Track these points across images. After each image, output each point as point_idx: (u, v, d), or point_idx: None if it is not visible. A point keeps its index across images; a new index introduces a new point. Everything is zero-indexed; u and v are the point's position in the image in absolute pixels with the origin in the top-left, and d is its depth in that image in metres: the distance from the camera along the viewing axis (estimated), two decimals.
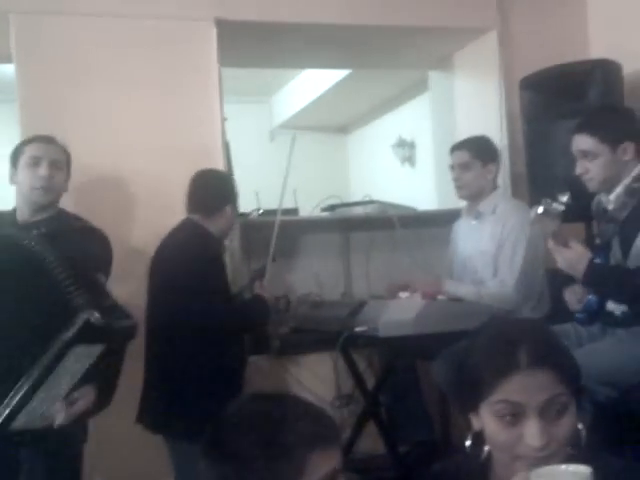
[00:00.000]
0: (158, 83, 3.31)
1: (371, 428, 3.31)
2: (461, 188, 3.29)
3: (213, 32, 3.39)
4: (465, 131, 4.02)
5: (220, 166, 3.36)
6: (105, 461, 2.98)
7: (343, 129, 7.10)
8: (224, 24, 3.41)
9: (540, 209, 2.39)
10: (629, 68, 3.50)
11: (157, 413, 2.75)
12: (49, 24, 3.21)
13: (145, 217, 2.97)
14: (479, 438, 1.31)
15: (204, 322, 2.70)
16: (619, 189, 2.54)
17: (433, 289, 3.10)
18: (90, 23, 3.24)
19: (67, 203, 2.71)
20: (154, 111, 3.27)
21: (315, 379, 3.64)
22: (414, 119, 5.75)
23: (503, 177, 3.79)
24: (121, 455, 3.08)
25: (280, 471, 1.13)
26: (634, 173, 2.54)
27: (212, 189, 2.94)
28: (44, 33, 3.21)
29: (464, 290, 3.11)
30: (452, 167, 3.31)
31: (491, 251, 3.16)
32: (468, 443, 1.33)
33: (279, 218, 3.16)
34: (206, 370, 2.71)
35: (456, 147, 3.34)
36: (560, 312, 2.80)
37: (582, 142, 2.59)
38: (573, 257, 2.41)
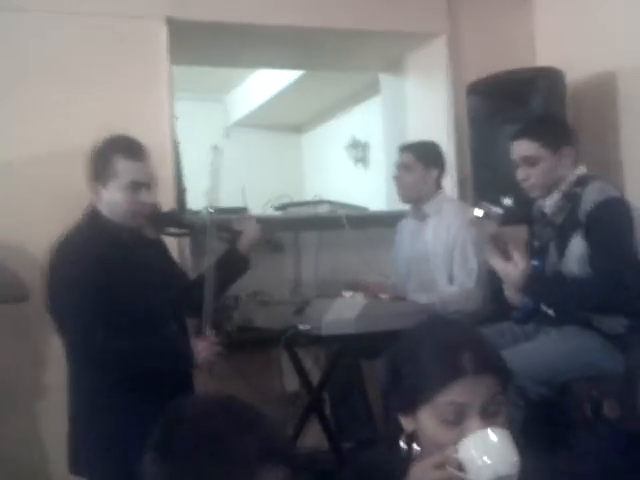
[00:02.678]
0: (106, 82, 3.28)
1: (317, 424, 3.35)
2: (401, 189, 3.36)
3: (164, 31, 3.38)
4: (415, 134, 4.08)
5: (168, 165, 3.37)
6: None
7: (297, 128, 7.12)
8: (175, 23, 3.40)
9: (479, 212, 2.45)
10: (572, 76, 3.60)
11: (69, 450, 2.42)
12: None
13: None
14: (410, 438, 1.37)
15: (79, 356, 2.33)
16: (556, 194, 2.63)
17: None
18: (37, 19, 3.20)
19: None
20: (101, 110, 3.22)
21: (261, 377, 3.67)
22: (368, 120, 5.80)
23: (450, 180, 3.87)
24: None
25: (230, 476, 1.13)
26: (571, 178, 2.63)
27: None
28: None
29: (426, 300, 3.10)
30: (396, 167, 3.39)
31: (439, 254, 3.20)
32: (403, 444, 1.38)
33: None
34: (104, 407, 2.32)
35: (403, 148, 3.41)
36: (497, 311, 2.88)
37: (523, 148, 2.66)
38: (510, 270, 2.48)
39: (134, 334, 2.29)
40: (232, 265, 2.62)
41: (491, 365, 1.32)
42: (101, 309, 2.25)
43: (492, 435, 1.26)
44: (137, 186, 2.35)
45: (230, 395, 1.27)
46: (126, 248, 2.36)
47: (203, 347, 2.43)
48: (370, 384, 3.44)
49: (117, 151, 2.35)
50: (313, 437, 3.43)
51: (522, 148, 2.66)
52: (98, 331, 2.25)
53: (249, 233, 2.64)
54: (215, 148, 2.52)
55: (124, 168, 2.33)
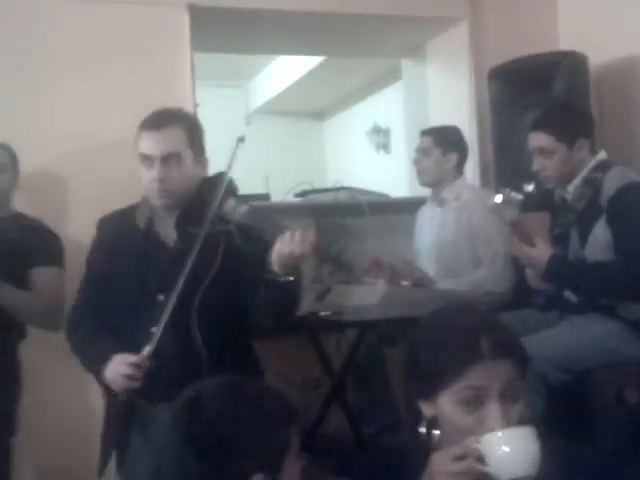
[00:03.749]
0: (128, 69, 3.29)
1: (338, 410, 3.36)
2: (419, 173, 3.37)
3: (185, 18, 3.39)
4: (437, 120, 4.07)
5: None
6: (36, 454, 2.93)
7: (319, 115, 7.13)
8: (197, 10, 3.41)
9: (499, 198, 2.45)
10: (595, 60, 3.57)
11: None
12: (15, 4, 3.17)
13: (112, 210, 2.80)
14: (431, 424, 1.38)
15: None
16: (577, 180, 2.62)
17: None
18: (59, 5, 3.21)
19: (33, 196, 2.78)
20: (123, 98, 3.23)
21: (283, 363, 3.68)
22: (389, 106, 5.79)
23: (473, 166, 3.85)
24: (53, 448, 2.98)
25: (273, 443, 1.24)
26: (591, 164, 2.62)
27: None
28: (9, 14, 3.15)
29: (455, 286, 3.09)
30: (416, 151, 3.40)
31: (461, 242, 3.19)
32: (423, 430, 1.39)
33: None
34: None
35: (423, 132, 3.42)
36: (519, 297, 2.88)
37: (539, 140, 2.65)
38: (534, 255, 2.48)
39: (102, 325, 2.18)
40: (271, 296, 2.05)
41: (509, 350, 1.32)
42: (89, 290, 2.26)
43: (516, 433, 1.26)
44: (146, 159, 2.13)
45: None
46: (128, 237, 2.20)
47: (112, 365, 2.05)
48: (392, 370, 3.45)
49: (140, 125, 2.18)
50: (335, 423, 3.45)
51: (537, 140, 2.67)
52: (76, 311, 2.28)
53: (283, 249, 1.91)
54: (240, 139, 2.18)
55: (138, 140, 2.16)
